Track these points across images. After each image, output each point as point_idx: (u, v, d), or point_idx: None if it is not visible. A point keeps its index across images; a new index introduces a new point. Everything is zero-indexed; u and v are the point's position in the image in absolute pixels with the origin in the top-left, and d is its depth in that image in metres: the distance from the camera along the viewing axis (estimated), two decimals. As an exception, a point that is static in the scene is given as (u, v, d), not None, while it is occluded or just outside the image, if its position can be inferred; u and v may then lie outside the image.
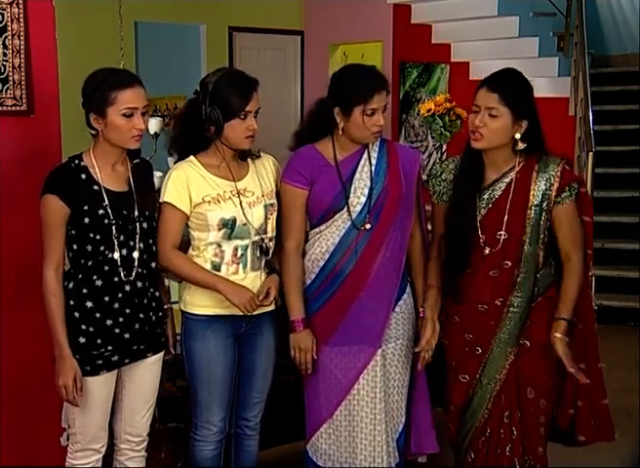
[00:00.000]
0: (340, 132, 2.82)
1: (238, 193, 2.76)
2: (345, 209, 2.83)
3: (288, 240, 2.87)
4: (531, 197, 2.77)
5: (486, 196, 2.81)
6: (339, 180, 2.83)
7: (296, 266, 2.88)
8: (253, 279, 2.79)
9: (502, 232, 2.77)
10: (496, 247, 2.79)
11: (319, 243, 2.88)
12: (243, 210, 2.74)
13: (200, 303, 2.79)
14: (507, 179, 2.80)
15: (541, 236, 2.80)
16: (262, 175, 2.85)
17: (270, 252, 2.82)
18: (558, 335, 2.76)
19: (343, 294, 2.87)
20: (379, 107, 2.76)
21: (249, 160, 2.85)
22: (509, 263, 2.80)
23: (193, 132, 2.75)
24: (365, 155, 2.87)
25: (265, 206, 2.80)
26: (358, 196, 2.84)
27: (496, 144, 2.76)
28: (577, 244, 2.81)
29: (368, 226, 2.84)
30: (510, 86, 2.75)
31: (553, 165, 2.78)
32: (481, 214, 2.81)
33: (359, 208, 2.84)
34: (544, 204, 2.77)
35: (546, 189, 2.77)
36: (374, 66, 2.90)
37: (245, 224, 2.75)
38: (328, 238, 2.87)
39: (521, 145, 2.76)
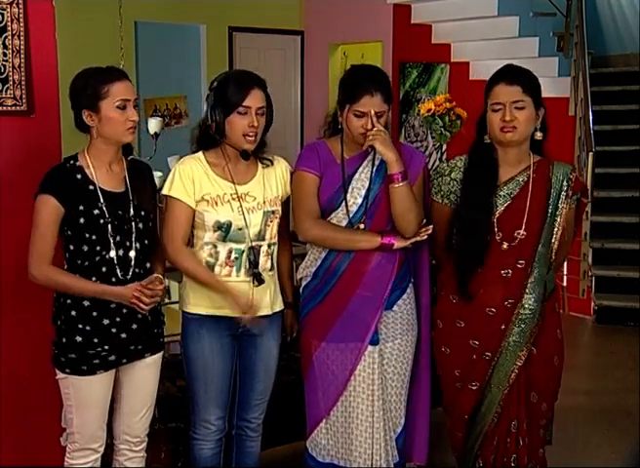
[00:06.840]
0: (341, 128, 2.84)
1: (238, 197, 2.75)
2: (341, 207, 2.84)
3: (307, 220, 2.82)
4: (548, 196, 2.77)
5: (502, 193, 2.78)
6: (340, 178, 2.84)
7: (326, 223, 2.83)
8: (245, 284, 2.78)
9: (521, 231, 2.75)
10: (512, 244, 2.77)
11: None
12: (242, 214, 2.73)
13: (194, 302, 2.79)
14: (524, 177, 2.79)
15: (552, 236, 2.80)
16: (270, 181, 2.83)
17: (260, 264, 2.77)
18: None
19: (339, 292, 2.87)
20: (367, 112, 2.72)
21: (259, 165, 2.83)
22: (523, 263, 2.77)
23: (204, 133, 2.76)
24: (370, 156, 2.87)
25: (265, 212, 2.77)
26: (355, 196, 2.84)
27: (526, 136, 2.77)
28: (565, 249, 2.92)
29: (362, 226, 2.84)
30: (526, 76, 2.78)
31: (566, 169, 2.82)
32: (498, 211, 2.77)
33: (355, 208, 2.84)
34: (558, 203, 2.78)
35: (561, 192, 2.79)
36: (378, 69, 2.88)
37: (241, 229, 2.73)
38: None
39: (539, 135, 2.78)
